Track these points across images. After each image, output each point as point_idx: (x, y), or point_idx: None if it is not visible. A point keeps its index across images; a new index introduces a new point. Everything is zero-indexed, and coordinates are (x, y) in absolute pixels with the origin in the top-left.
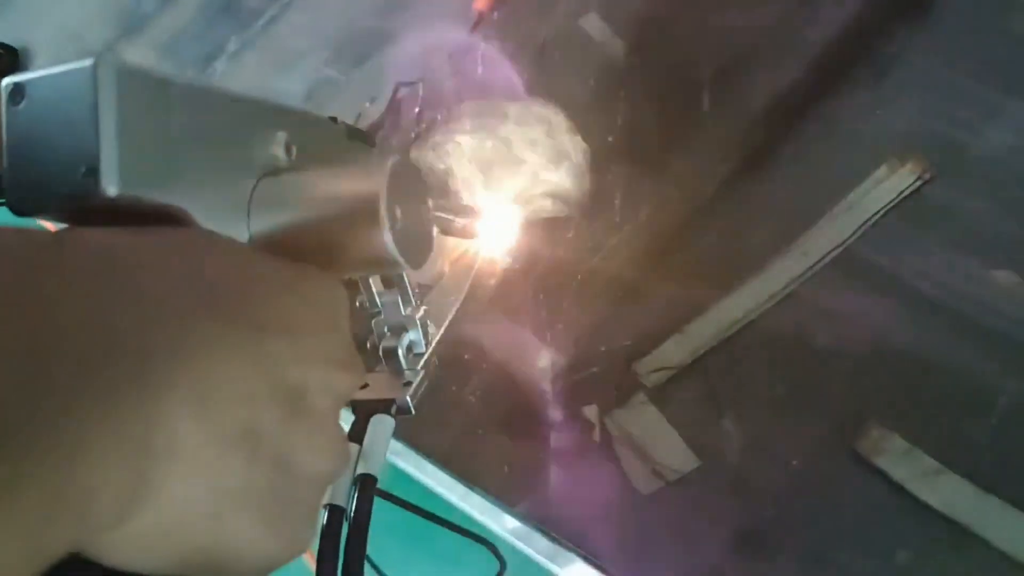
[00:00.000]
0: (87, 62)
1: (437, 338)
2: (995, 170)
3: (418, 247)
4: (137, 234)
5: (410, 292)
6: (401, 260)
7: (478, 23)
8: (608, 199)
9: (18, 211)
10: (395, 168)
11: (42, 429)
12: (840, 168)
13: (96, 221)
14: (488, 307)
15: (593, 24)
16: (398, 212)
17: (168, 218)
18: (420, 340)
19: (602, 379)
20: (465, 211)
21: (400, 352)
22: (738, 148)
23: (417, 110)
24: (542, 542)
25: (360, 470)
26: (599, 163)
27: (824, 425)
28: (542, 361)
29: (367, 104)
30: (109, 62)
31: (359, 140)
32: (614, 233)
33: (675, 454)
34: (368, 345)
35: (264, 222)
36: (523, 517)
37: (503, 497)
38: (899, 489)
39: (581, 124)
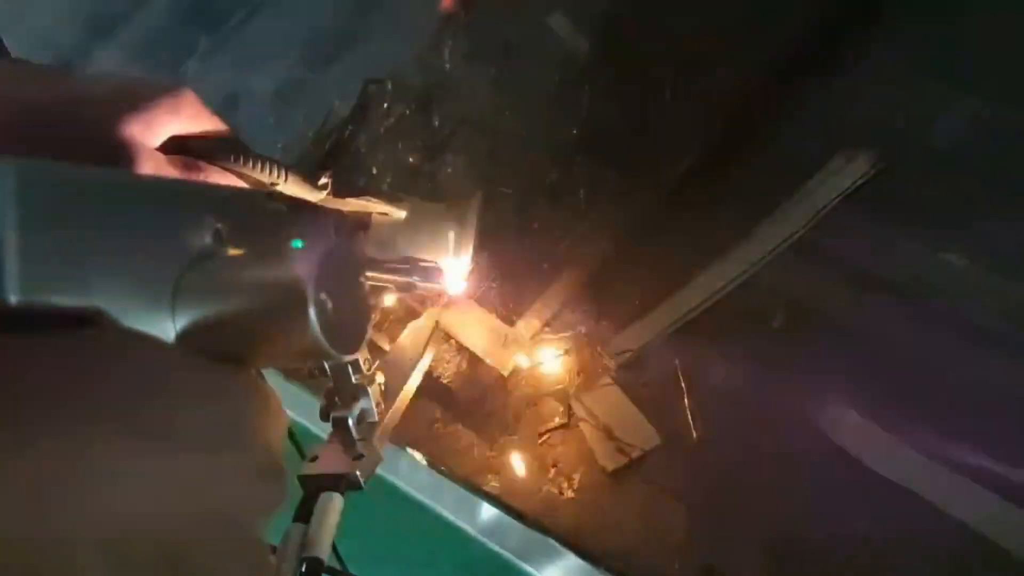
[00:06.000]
0: None
1: (393, 408)
2: (945, 160)
3: (351, 333)
4: (36, 343)
5: (360, 360)
6: (332, 351)
7: (446, 22)
8: (574, 190)
9: None
10: (324, 256)
11: None
12: (797, 158)
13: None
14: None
15: (559, 22)
16: (328, 302)
17: (80, 320)
18: (372, 409)
19: (568, 361)
20: (426, 272)
21: (351, 423)
22: (699, 140)
23: (386, 106)
24: (514, 538)
25: (306, 553)
26: (565, 155)
27: (783, 404)
28: (510, 345)
29: (336, 102)
30: (7, 164)
31: (300, 213)
32: (579, 222)
33: (638, 432)
34: (319, 412)
35: (189, 317)
36: (493, 500)
37: (472, 478)
38: (855, 462)
39: (547, 118)
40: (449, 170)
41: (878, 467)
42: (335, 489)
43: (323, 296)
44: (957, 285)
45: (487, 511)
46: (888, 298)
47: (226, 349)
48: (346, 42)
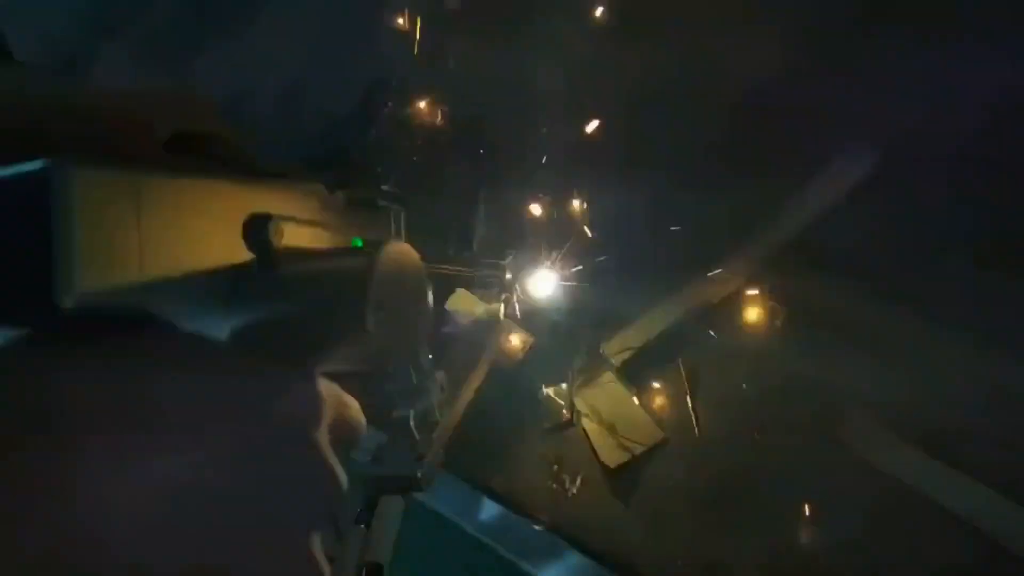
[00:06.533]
0: (38, 164)
1: (454, 408)
2: (947, 162)
3: (410, 333)
4: (89, 347)
5: (421, 360)
6: (391, 352)
7: (449, 21)
8: (575, 190)
9: None
10: (383, 261)
11: None
12: (798, 159)
13: (57, 327)
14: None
15: (561, 20)
16: (387, 302)
17: (137, 319)
18: (434, 409)
19: (571, 359)
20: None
21: (411, 423)
22: (703, 143)
23: (389, 105)
24: (516, 535)
25: (367, 557)
26: (566, 155)
27: (786, 400)
28: (514, 342)
29: (340, 101)
30: (63, 165)
31: (360, 207)
32: (581, 221)
33: (641, 429)
34: (380, 412)
35: (244, 316)
36: (496, 498)
37: (474, 476)
38: (858, 461)
39: (549, 118)
40: (451, 168)
41: (882, 466)
42: (397, 491)
43: (382, 296)
44: (958, 284)
45: (489, 509)
46: (888, 297)
47: (282, 348)
48: (350, 42)
